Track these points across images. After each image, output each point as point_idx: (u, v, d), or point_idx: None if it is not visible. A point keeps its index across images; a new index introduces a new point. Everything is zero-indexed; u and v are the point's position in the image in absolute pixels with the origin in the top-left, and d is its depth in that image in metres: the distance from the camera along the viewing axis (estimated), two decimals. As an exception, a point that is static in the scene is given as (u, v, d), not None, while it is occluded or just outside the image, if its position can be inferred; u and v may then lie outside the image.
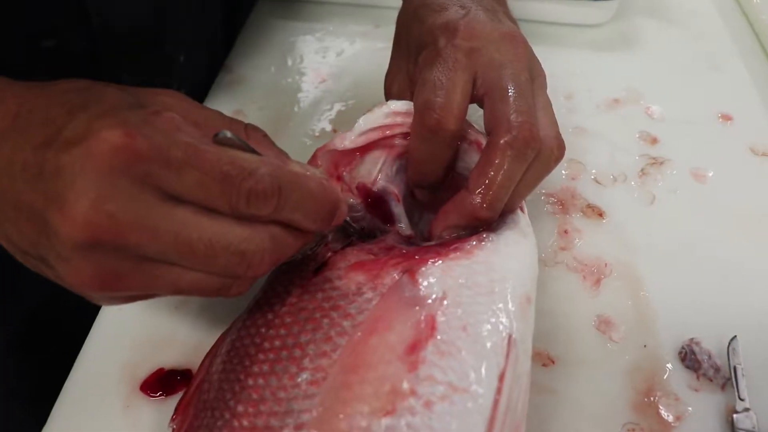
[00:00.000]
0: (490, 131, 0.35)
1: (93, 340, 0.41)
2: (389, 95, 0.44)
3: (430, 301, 0.32)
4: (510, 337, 0.31)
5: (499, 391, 0.29)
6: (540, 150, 0.35)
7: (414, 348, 0.30)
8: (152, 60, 0.51)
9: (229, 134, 0.29)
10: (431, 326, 0.31)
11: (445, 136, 0.36)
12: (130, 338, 0.41)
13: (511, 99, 0.35)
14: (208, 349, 0.36)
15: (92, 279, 0.27)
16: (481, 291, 0.33)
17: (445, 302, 0.32)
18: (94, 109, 0.28)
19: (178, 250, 0.28)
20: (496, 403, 0.29)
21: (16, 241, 0.29)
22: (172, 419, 0.34)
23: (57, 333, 0.49)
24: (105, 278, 0.27)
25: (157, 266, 0.28)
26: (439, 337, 0.30)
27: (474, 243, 0.35)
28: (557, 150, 0.36)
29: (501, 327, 0.31)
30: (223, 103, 0.57)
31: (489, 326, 0.31)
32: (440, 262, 0.34)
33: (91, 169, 0.26)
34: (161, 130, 0.27)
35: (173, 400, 0.36)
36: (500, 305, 0.32)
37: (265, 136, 0.34)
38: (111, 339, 0.41)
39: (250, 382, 0.32)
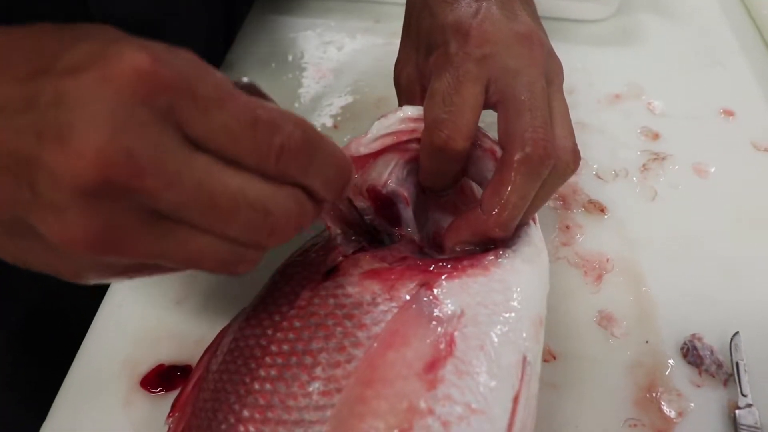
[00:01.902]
0: (504, 147, 0.34)
1: (93, 336, 0.41)
2: (398, 85, 0.43)
3: (448, 318, 0.32)
4: (525, 358, 0.31)
5: (513, 413, 0.29)
6: (555, 165, 0.34)
7: (433, 366, 0.30)
8: None
9: (251, 81, 0.26)
10: (450, 345, 0.30)
11: (453, 154, 0.35)
12: (130, 334, 0.41)
13: (525, 112, 0.34)
14: (208, 345, 0.36)
15: (92, 235, 0.23)
16: (497, 310, 0.32)
17: (463, 320, 0.31)
18: (100, 37, 0.24)
19: (199, 202, 0.24)
20: (510, 426, 0.29)
21: None
22: (169, 416, 0.33)
23: (57, 329, 0.49)
24: (108, 235, 0.23)
25: (167, 224, 0.24)
26: (457, 356, 0.30)
27: (491, 259, 0.34)
28: (573, 163, 0.35)
29: (516, 348, 0.31)
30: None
31: (505, 347, 0.31)
32: (458, 278, 0.33)
33: (108, 94, 0.22)
34: (186, 61, 0.24)
35: (173, 396, 0.35)
36: (516, 326, 0.32)
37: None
38: (111, 334, 0.41)
39: (256, 386, 0.31)
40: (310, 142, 0.26)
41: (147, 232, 0.24)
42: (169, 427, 0.33)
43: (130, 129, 0.22)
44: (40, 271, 0.26)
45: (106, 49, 0.23)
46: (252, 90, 0.26)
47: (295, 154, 0.26)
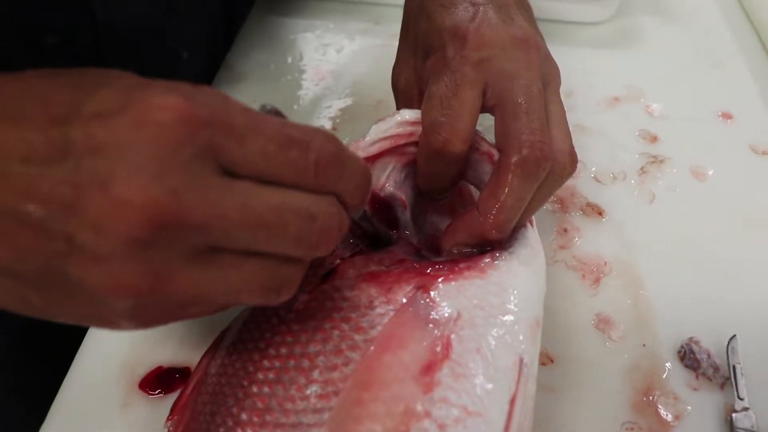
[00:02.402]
0: (501, 149, 0.35)
1: (92, 338, 0.41)
2: (396, 89, 0.43)
3: (444, 321, 0.32)
4: (521, 360, 0.31)
5: (509, 415, 0.29)
6: (552, 167, 0.34)
7: (429, 369, 0.30)
8: (155, 57, 0.51)
9: (273, 106, 0.27)
10: (446, 347, 0.31)
11: (450, 158, 0.35)
12: (129, 336, 0.41)
13: (522, 115, 0.34)
14: (207, 347, 0.36)
15: (141, 281, 0.22)
16: (494, 312, 0.32)
17: (460, 323, 0.32)
18: (118, 82, 0.24)
19: (247, 224, 0.24)
20: (506, 428, 0.29)
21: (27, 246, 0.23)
22: (168, 419, 0.33)
23: (58, 331, 0.49)
24: (155, 278, 0.23)
25: (209, 257, 0.24)
26: (454, 358, 0.30)
27: (487, 261, 0.35)
28: (570, 166, 0.35)
29: (513, 350, 0.31)
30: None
31: (502, 349, 0.31)
32: (454, 280, 0.33)
33: (147, 138, 0.22)
34: (214, 97, 0.24)
35: (172, 398, 0.35)
36: (512, 328, 0.32)
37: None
38: (110, 336, 0.41)
39: (255, 389, 0.31)
40: (340, 153, 0.27)
41: (193, 268, 0.24)
42: (168, 430, 0.33)
43: (174, 171, 0.22)
44: (70, 323, 0.26)
45: (135, 94, 0.23)
46: (276, 113, 0.27)
47: (329, 165, 0.26)
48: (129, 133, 0.22)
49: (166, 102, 0.22)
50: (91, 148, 0.22)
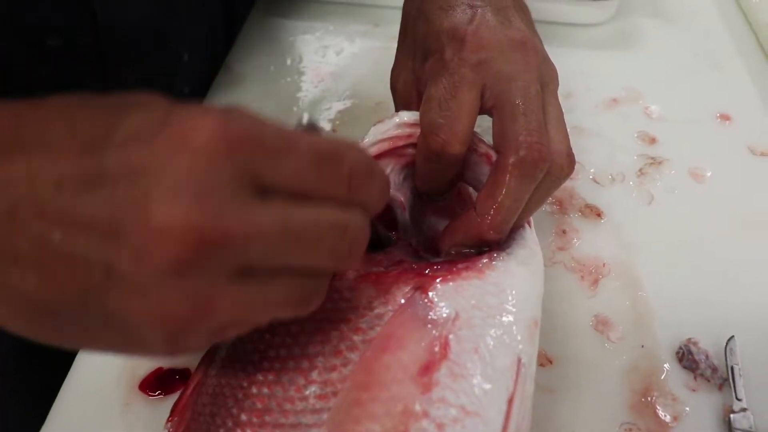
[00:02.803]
0: (499, 150, 0.35)
1: (92, 340, 0.41)
2: (395, 91, 0.43)
3: (443, 321, 0.32)
4: (519, 360, 0.31)
5: (507, 415, 0.29)
6: (550, 168, 0.34)
7: (427, 369, 0.30)
8: (157, 58, 0.52)
9: (311, 118, 0.27)
10: (444, 348, 0.31)
11: (449, 159, 0.36)
12: (129, 337, 0.41)
13: (519, 116, 0.34)
14: (206, 349, 0.37)
15: (182, 309, 0.22)
16: (492, 313, 0.32)
17: (458, 323, 0.32)
18: (150, 105, 0.23)
19: (286, 241, 0.24)
20: (504, 428, 0.29)
21: (31, 293, 0.22)
22: (168, 420, 0.34)
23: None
24: (197, 305, 0.22)
25: (248, 278, 0.24)
26: (452, 359, 0.30)
27: (485, 261, 0.35)
28: (567, 167, 0.35)
29: (511, 350, 0.31)
30: (223, 103, 0.57)
31: (500, 349, 0.31)
32: (452, 281, 0.33)
33: (185, 160, 0.21)
34: (247, 119, 0.24)
35: (172, 400, 0.35)
36: (510, 328, 0.32)
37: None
38: (110, 338, 0.41)
39: (254, 390, 0.32)
40: (369, 164, 0.27)
41: (232, 289, 0.23)
42: (169, 431, 0.33)
43: (212, 193, 0.21)
44: (103, 352, 0.25)
45: (169, 116, 0.22)
46: (313, 127, 0.28)
47: (361, 177, 0.26)
48: (165, 155, 0.21)
49: (202, 123, 0.22)
50: (127, 172, 0.21)
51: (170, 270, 0.21)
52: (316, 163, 0.25)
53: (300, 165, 0.24)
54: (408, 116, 0.38)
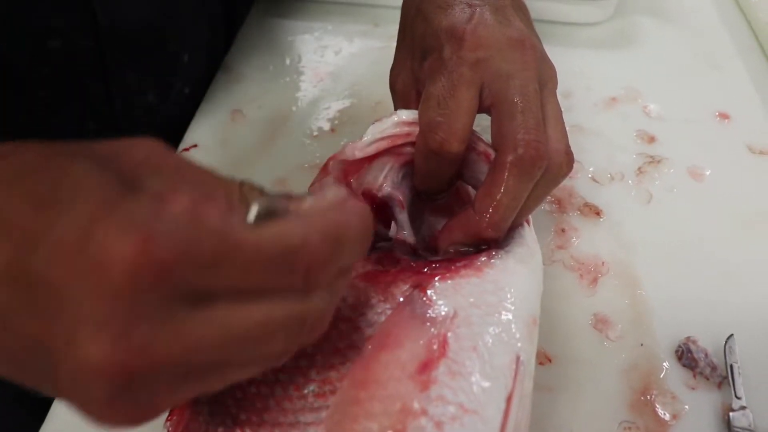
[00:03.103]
0: (497, 148, 0.35)
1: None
2: (394, 91, 0.43)
3: (441, 319, 0.32)
4: (518, 358, 0.31)
5: (506, 413, 0.29)
6: (548, 167, 0.34)
7: (426, 367, 0.30)
8: (157, 59, 0.52)
9: (255, 185, 0.24)
10: (443, 346, 0.31)
11: (448, 157, 0.36)
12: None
13: (517, 114, 0.34)
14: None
15: (131, 417, 0.22)
16: (490, 311, 0.32)
17: (456, 321, 0.32)
18: (77, 205, 0.21)
19: (230, 349, 0.23)
20: (503, 425, 0.29)
21: (10, 372, 0.23)
22: (167, 419, 0.34)
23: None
24: (145, 411, 0.22)
25: (201, 374, 0.23)
26: (450, 357, 0.30)
27: (483, 260, 0.35)
28: (566, 166, 0.35)
29: (509, 348, 0.31)
30: (222, 103, 0.57)
31: (498, 347, 0.31)
32: (450, 279, 0.33)
33: (103, 292, 0.20)
34: (178, 221, 0.21)
35: (171, 399, 0.36)
36: (509, 326, 0.32)
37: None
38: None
39: (253, 389, 0.31)
40: (336, 242, 0.24)
41: (185, 387, 0.23)
42: (168, 430, 0.33)
43: (139, 320, 0.20)
44: None
45: (94, 227, 0.20)
46: (263, 200, 0.24)
47: (323, 262, 0.24)
48: (87, 285, 0.20)
49: (123, 246, 0.20)
50: (51, 289, 0.20)
51: (105, 397, 0.21)
52: (263, 265, 0.23)
53: (243, 271, 0.22)
54: (406, 115, 0.38)
